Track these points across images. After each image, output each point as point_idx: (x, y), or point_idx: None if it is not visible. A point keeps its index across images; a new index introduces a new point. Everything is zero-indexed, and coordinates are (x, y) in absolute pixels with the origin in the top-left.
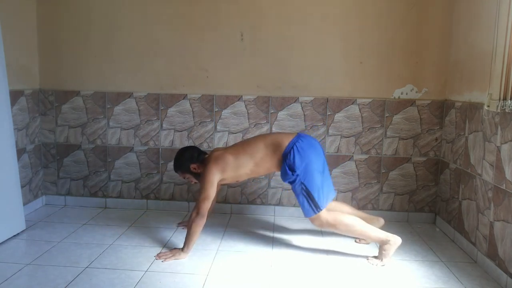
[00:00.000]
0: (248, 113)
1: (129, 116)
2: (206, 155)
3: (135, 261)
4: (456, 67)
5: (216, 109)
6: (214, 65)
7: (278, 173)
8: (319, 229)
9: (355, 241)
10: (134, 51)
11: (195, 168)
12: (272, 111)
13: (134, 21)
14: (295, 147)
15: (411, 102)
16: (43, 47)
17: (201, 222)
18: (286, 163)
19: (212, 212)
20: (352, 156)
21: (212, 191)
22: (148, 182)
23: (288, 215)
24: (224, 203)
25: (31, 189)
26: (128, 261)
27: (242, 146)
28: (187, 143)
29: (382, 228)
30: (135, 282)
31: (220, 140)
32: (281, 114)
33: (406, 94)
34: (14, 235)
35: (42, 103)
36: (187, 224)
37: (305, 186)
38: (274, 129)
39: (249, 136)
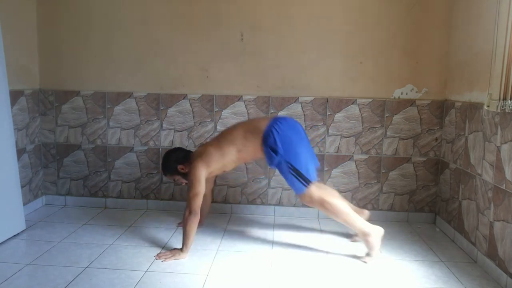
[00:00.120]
0: (248, 113)
1: (129, 116)
2: (192, 153)
3: (135, 261)
4: (456, 67)
5: (216, 109)
6: (214, 65)
7: (279, 173)
8: (312, 209)
9: (350, 240)
10: (134, 51)
11: (182, 169)
12: (272, 111)
13: (134, 21)
14: (273, 129)
15: (411, 102)
16: (43, 47)
17: (195, 220)
18: (268, 145)
19: (210, 212)
20: (352, 156)
21: (200, 187)
22: (148, 182)
23: (288, 215)
24: (224, 203)
25: (31, 189)
26: (128, 261)
27: (222, 136)
28: (187, 143)
29: (367, 221)
30: (135, 282)
31: None
32: (281, 114)
33: (406, 94)
34: (14, 235)
35: (42, 103)
36: (182, 224)
37: (290, 164)
38: None
39: None
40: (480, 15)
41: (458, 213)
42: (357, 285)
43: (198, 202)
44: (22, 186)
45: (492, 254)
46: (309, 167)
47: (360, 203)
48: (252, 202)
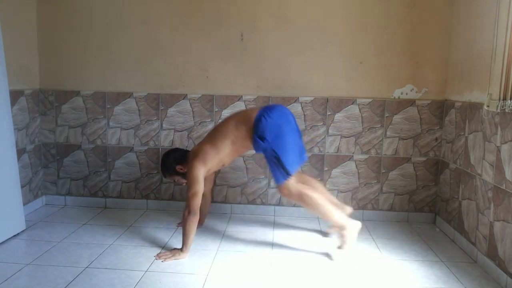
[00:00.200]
0: None
1: (129, 116)
2: (189, 153)
3: (135, 261)
4: (456, 67)
5: (216, 109)
6: (214, 65)
7: None
8: (291, 201)
9: (326, 231)
10: (134, 51)
11: (181, 169)
12: None
13: (134, 21)
14: (263, 117)
15: (411, 102)
16: (43, 47)
17: (194, 219)
18: (256, 133)
19: (210, 212)
20: (352, 156)
21: (199, 187)
22: (148, 182)
23: (288, 215)
24: (224, 203)
25: (31, 189)
26: (128, 261)
27: (215, 131)
28: (187, 143)
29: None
30: (135, 282)
31: None
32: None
33: (406, 94)
34: (14, 235)
35: (42, 103)
36: (182, 224)
37: (275, 153)
38: None
39: None
40: (480, 15)
41: (458, 213)
42: (357, 285)
43: (197, 201)
44: (22, 186)
45: (492, 254)
46: (292, 159)
47: (360, 203)
48: (252, 202)
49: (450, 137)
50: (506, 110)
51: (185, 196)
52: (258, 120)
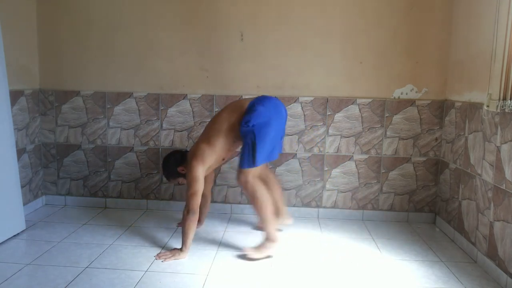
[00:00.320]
0: None
1: (129, 116)
2: (188, 152)
3: (135, 261)
4: (456, 67)
5: (216, 109)
6: (214, 65)
7: (279, 173)
8: (243, 191)
9: (253, 228)
10: (134, 51)
11: (183, 170)
12: None
13: (134, 21)
14: (256, 105)
15: (411, 102)
16: (43, 47)
17: (193, 219)
18: (245, 117)
19: (210, 212)
20: (352, 156)
21: (198, 186)
22: (148, 182)
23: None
24: (224, 203)
25: (31, 189)
26: (128, 261)
27: (210, 127)
28: (187, 143)
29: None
30: (135, 282)
31: None
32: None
33: (406, 94)
34: (14, 235)
35: (42, 103)
36: (181, 223)
37: (254, 138)
38: None
39: None
40: (480, 15)
41: (458, 213)
42: (357, 285)
43: (196, 201)
44: (22, 186)
45: (492, 254)
46: (266, 152)
47: (360, 203)
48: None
49: (450, 137)
50: (506, 110)
51: (185, 196)
52: (251, 106)
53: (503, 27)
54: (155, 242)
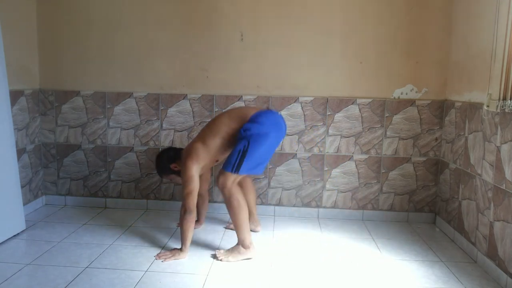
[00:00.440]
0: None
1: (129, 116)
2: (182, 150)
3: (135, 261)
4: (456, 67)
5: (216, 109)
6: (214, 65)
7: (279, 173)
8: (223, 199)
9: (224, 227)
10: (134, 51)
11: (175, 167)
12: None
13: (134, 21)
14: (260, 117)
15: (411, 102)
16: (43, 47)
17: (191, 218)
18: (245, 125)
19: (210, 212)
20: (352, 156)
21: (194, 185)
22: (148, 182)
23: (288, 215)
24: (224, 203)
25: (31, 189)
26: (128, 261)
27: (207, 127)
28: (187, 143)
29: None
30: (135, 282)
31: None
32: (281, 114)
33: (406, 94)
34: (14, 235)
35: (42, 103)
36: (179, 224)
37: (247, 147)
38: None
39: None
40: (480, 15)
41: (458, 213)
42: (357, 285)
43: (193, 200)
44: (22, 186)
45: (492, 254)
46: (253, 164)
47: (360, 203)
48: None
49: (450, 137)
50: (506, 110)
51: (181, 195)
52: (255, 117)
53: (503, 27)
54: (155, 242)
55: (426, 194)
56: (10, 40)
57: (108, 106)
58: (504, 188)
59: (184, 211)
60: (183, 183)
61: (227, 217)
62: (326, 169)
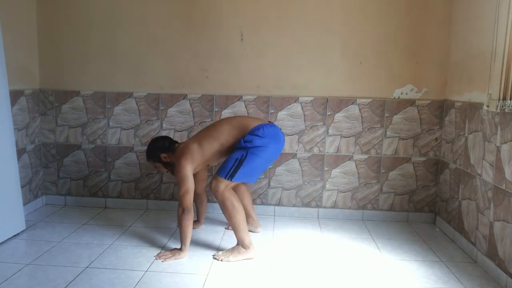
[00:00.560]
0: (248, 113)
1: (129, 116)
2: (177, 145)
3: (135, 261)
4: (456, 67)
5: (216, 109)
6: (214, 65)
7: (279, 173)
8: (217, 200)
9: (225, 228)
10: (134, 51)
11: (165, 157)
12: (272, 111)
13: (134, 21)
14: (261, 129)
15: (411, 102)
16: (43, 47)
17: (189, 217)
18: (246, 137)
19: (210, 212)
20: (352, 156)
21: (189, 184)
22: (148, 182)
23: (288, 215)
24: None
25: (31, 189)
26: (128, 261)
27: (207, 130)
28: None
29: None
30: (135, 282)
31: None
32: (281, 114)
33: (406, 94)
34: (14, 235)
35: (42, 103)
36: (178, 223)
37: (245, 156)
38: None
39: None
40: (480, 15)
41: (458, 213)
42: (357, 285)
43: (189, 199)
44: (22, 186)
45: (492, 254)
46: (247, 173)
47: (360, 203)
48: (252, 202)
49: (450, 137)
50: (506, 110)
51: (177, 195)
52: (256, 129)
53: (503, 27)
54: (155, 242)
55: (426, 194)
56: (10, 40)
57: (108, 106)
58: (504, 188)
59: (181, 211)
60: (178, 183)
61: None
62: (326, 169)
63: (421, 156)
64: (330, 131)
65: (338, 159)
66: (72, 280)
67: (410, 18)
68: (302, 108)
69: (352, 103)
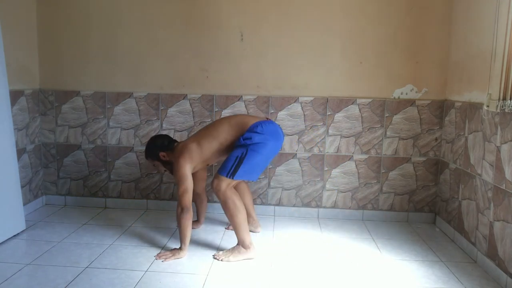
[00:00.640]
0: (248, 113)
1: (129, 116)
2: (176, 144)
3: (135, 261)
4: (456, 67)
5: (216, 109)
6: (214, 65)
7: (279, 173)
8: (219, 199)
9: (225, 228)
10: (134, 51)
11: (164, 156)
12: (272, 111)
13: (134, 21)
14: (259, 126)
15: (411, 102)
16: (43, 47)
17: (188, 216)
18: (244, 134)
19: (210, 212)
20: (352, 156)
21: (188, 183)
22: (148, 182)
23: (288, 215)
24: None
25: (31, 189)
26: (128, 261)
27: (206, 130)
28: None
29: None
30: (135, 282)
31: None
32: (281, 114)
33: (406, 94)
34: (14, 235)
35: (42, 103)
36: (177, 222)
37: (245, 154)
38: None
39: None
40: (480, 15)
41: (458, 213)
42: (357, 285)
43: (188, 198)
44: (22, 186)
45: (492, 254)
46: (248, 171)
47: (360, 203)
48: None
49: (450, 137)
50: (506, 110)
51: (176, 194)
52: (254, 127)
53: (503, 26)
54: (155, 242)
55: (426, 194)
56: (10, 40)
57: (108, 106)
58: (504, 188)
59: (180, 210)
60: (177, 182)
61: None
62: (326, 169)
63: (421, 156)
64: (330, 131)
65: (338, 159)
66: (72, 280)
67: (410, 18)
68: (302, 108)
69: (352, 103)
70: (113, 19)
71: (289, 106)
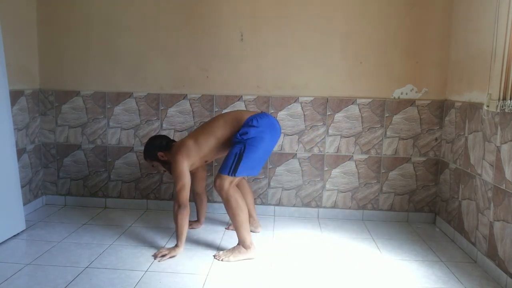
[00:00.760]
0: None
1: (129, 116)
2: (174, 143)
3: (135, 261)
4: (456, 67)
5: (216, 109)
6: (214, 65)
7: (279, 173)
8: (221, 198)
9: (225, 228)
10: (134, 51)
11: (162, 156)
12: (272, 111)
13: (134, 21)
14: (254, 120)
15: (411, 102)
16: (43, 47)
17: (185, 212)
18: (240, 130)
19: (210, 212)
20: (352, 156)
21: (186, 180)
22: (148, 182)
23: (288, 215)
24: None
25: (31, 189)
26: (128, 261)
27: (202, 127)
28: None
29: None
30: (135, 282)
31: None
32: (281, 114)
33: (406, 94)
34: (14, 235)
35: (42, 103)
36: (174, 219)
37: (243, 150)
38: None
39: None
40: (480, 15)
41: (458, 213)
42: (357, 285)
43: (185, 194)
44: (22, 186)
45: (492, 254)
46: (249, 166)
47: (360, 203)
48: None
49: (450, 137)
50: (506, 110)
51: (174, 191)
52: (249, 120)
53: (503, 27)
54: (155, 242)
55: (426, 194)
56: (10, 40)
57: (108, 106)
58: (504, 188)
59: (177, 206)
60: (174, 179)
61: (227, 217)
62: (326, 169)
63: (421, 156)
64: (330, 131)
65: (338, 159)
66: (72, 280)
67: (410, 18)
68: (302, 108)
69: (352, 103)
70: (113, 19)
71: (289, 106)
